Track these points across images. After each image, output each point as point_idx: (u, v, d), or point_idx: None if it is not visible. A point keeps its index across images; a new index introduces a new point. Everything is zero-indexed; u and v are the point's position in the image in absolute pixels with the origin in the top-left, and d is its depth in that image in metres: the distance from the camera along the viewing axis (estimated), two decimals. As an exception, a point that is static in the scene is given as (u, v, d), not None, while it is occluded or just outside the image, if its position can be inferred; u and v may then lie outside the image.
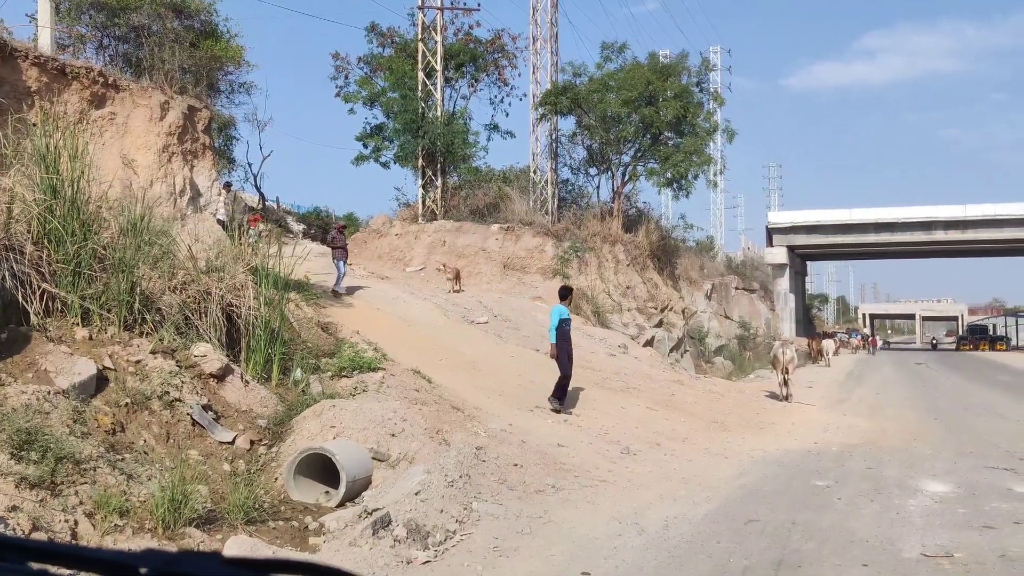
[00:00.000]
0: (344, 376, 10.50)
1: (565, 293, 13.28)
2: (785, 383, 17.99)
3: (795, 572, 5.56)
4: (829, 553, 6.03)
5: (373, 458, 7.70)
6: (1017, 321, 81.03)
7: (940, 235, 56.92)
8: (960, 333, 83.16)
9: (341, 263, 17.30)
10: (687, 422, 13.15)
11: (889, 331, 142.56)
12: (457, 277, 21.15)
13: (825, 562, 5.80)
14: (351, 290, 16.98)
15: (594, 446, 10.36)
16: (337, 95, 30.14)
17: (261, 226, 17.41)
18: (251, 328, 9.58)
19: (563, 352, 12.44)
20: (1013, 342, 73.09)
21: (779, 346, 19.45)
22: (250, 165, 35.12)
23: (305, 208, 41.70)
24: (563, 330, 12.48)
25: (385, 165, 29.12)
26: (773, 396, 18.36)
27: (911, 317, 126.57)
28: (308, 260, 14.24)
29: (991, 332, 75.36)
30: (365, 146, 29.22)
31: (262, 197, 35.20)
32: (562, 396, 12.15)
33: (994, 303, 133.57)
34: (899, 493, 8.32)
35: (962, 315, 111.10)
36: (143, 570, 0.91)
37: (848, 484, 8.81)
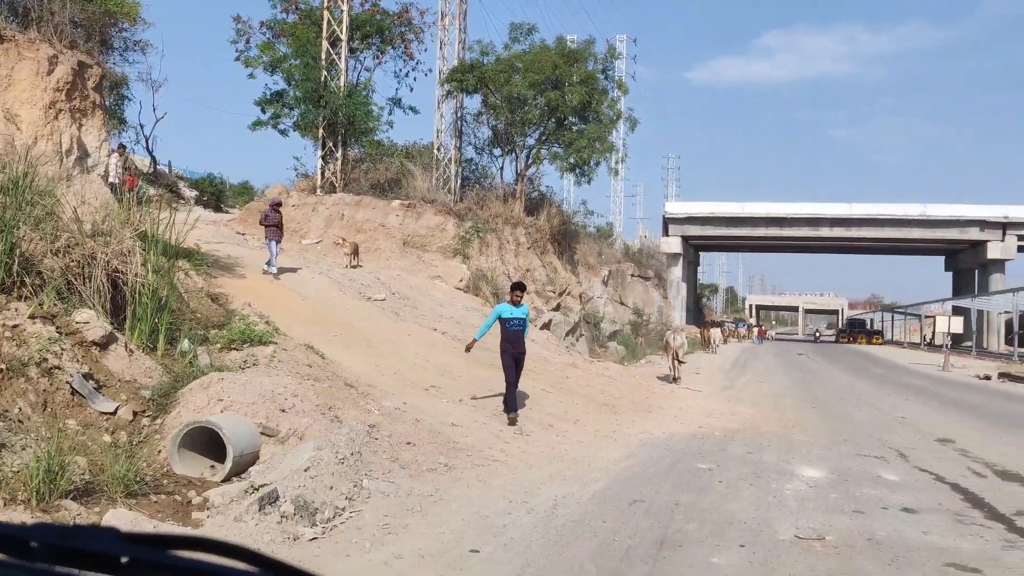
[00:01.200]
0: (234, 349, 10.23)
1: (514, 287, 11.37)
2: (675, 367, 19.65)
3: (676, 551, 5.71)
4: (709, 533, 6.22)
5: (262, 433, 7.53)
6: (893, 316, 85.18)
7: (826, 231, 59.32)
8: (840, 326, 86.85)
9: (273, 243, 16.50)
10: (579, 404, 13.34)
11: (774, 322, 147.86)
12: (355, 252, 20.85)
13: (705, 542, 5.98)
14: (281, 270, 16.52)
15: (488, 426, 10.40)
16: (237, 59, 29.20)
17: (144, 188, 16.72)
18: (137, 296, 9.22)
19: (506, 355, 10.92)
20: (888, 336, 76.85)
21: (671, 333, 21.24)
22: (142, 127, 33.80)
23: (198, 174, 40.47)
24: (506, 331, 10.88)
25: (284, 133, 28.39)
26: (664, 378, 19.80)
27: (795, 309, 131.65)
28: (199, 228, 13.80)
29: (868, 326, 79.02)
30: (264, 112, 28.41)
31: (153, 161, 33.86)
32: (514, 406, 10.92)
33: (872, 299, 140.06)
34: (776, 477, 8.64)
35: (842, 309, 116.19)
36: (33, 544, 0.85)
37: (729, 468, 9.10)
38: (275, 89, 28.56)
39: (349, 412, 8.82)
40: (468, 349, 11.68)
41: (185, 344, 9.66)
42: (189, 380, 8.46)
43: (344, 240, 21.63)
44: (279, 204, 18.14)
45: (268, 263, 16.22)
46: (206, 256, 13.97)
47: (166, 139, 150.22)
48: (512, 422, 10.62)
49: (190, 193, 34.88)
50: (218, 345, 10.20)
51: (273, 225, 16.85)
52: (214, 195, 36.89)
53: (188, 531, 5.63)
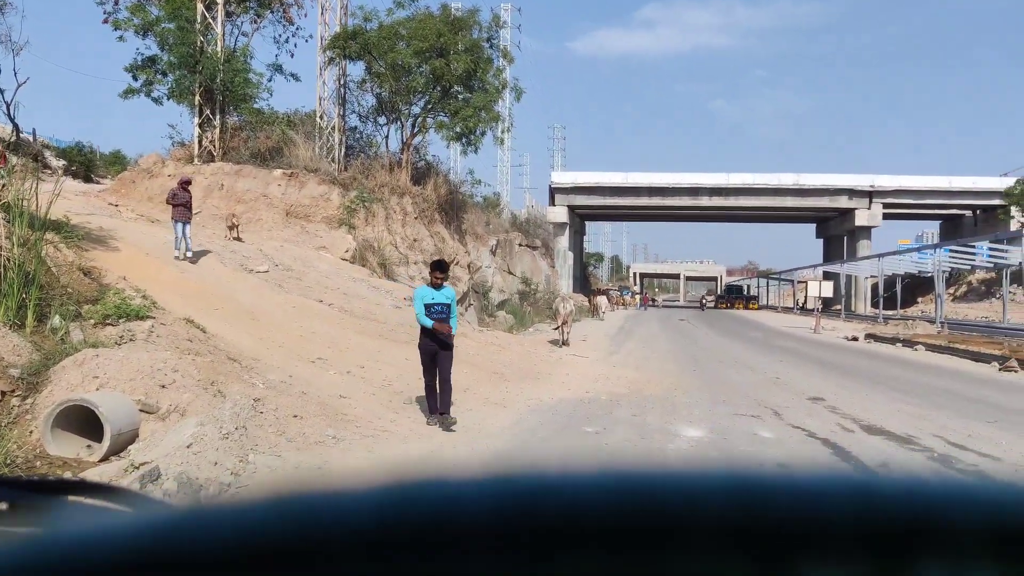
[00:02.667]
0: (109, 324, 9.83)
1: (434, 267, 9.37)
2: (564, 332, 21.07)
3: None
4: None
5: (141, 410, 7.28)
6: (768, 283, 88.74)
7: (705, 200, 61.09)
8: (719, 293, 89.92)
9: (180, 225, 15.48)
10: (469, 373, 13.41)
11: (657, 289, 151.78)
12: (234, 225, 20.20)
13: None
14: (197, 256, 15.81)
15: (377, 397, 10.35)
16: (105, 21, 27.69)
17: (13, 160, 15.72)
18: (2, 271, 8.74)
19: (423, 350, 9.29)
20: (763, 301, 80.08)
21: (560, 300, 22.86)
22: (2, 92, 31.80)
23: (66, 142, 38.44)
24: (432, 318, 9.15)
25: (158, 101, 27.16)
26: (554, 342, 21.13)
27: (677, 277, 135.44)
28: (68, 199, 13.15)
29: (745, 292, 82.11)
30: (135, 78, 27.10)
31: (16, 129, 31.98)
32: (434, 407, 9.43)
33: (749, 266, 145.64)
34: (660, 438, 8.92)
35: (721, 276, 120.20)
36: None
37: (615, 430, 9.34)
38: (147, 54, 27.29)
39: (233, 386, 8.62)
40: (437, 330, 9.18)
41: (56, 320, 9.23)
42: (61, 357, 8.10)
43: (234, 216, 20.79)
44: (188, 182, 16.93)
45: (177, 247, 15.37)
46: (77, 228, 13.31)
47: (30, 105, 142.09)
48: (443, 426, 9.07)
49: (57, 163, 33.13)
50: (92, 321, 9.78)
51: (181, 205, 15.77)
52: (84, 165, 35.14)
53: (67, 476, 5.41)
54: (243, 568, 0.24)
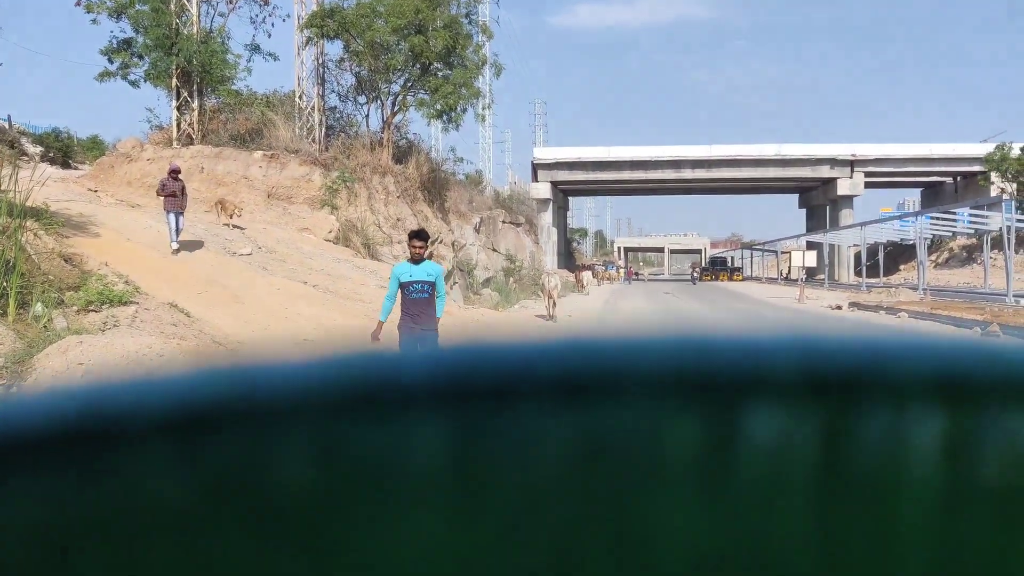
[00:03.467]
0: (92, 311, 9.78)
1: (412, 236, 7.90)
2: (550, 306, 21.53)
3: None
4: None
5: (127, 396, 7.25)
6: (752, 254, 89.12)
7: (688, 173, 61.18)
8: (703, 265, 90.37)
9: (174, 216, 15.03)
10: (455, 351, 13.43)
11: (641, 263, 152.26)
12: (224, 210, 19.79)
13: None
14: (187, 244, 15.65)
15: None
16: (78, 4, 27.33)
17: None
18: (-19, 259, 8.67)
19: (403, 336, 7.81)
20: (747, 272, 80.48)
21: (546, 276, 23.46)
22: (-26, 78, 31.32)
23: (42, 128, 38.01)
24: (405, 300, 7.74)
25: (134, 84, 26.85)
26: (541, 317, 21.32)
27: (661, 250, 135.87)
28: (47, 185, 13.04)
29: (729, 264, 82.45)
30: (111, 61, 26.77)
31: (-10, 115, 31.60)
32: None
33: (733, 237, 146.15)
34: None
35: (705, 248, 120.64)
36: None
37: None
38: (122, 37, 26.93)
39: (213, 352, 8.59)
40: (375, 337, 7.81)
41: (39, 308, 9.16)
42: (45, 345, 8.05)
43: (224, 202, 20.17)
44: (177, 171, 16.11)
45: (172, 239, 15.04)
46: (56, 215, 13.20)
47: (4, 91, 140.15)
48: None
49: (34, 149, 32.75)
50: (75, 308, 9.73)
51: (171, 194, 15.15)
52: (61, 151, 34.76)
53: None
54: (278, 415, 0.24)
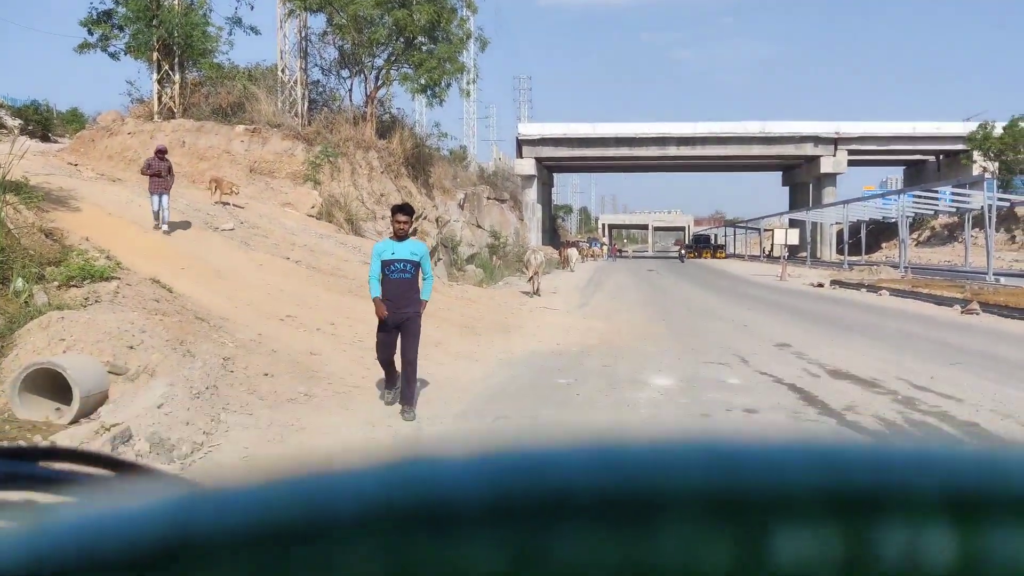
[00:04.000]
0: (74, 286, 9.70)
1: (395, 211, 7.22)
2: (535, 282, 22.18)
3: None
4: (570, 445, 6.45)
5: (109, 372, 7.22)
6: (735, 231, 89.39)
7: (673, 150, 61.15)
8: (687, 242, 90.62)
9: (157, 197, 14.58)
10: (440, 328, 13.42)
11: (625, 240, 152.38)
12: (220, 188, 19.17)
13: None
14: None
15: (348, 353, 10.34)
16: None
17: None
18: (-41, 233, 8.57)
19: (381, 322, 7.20)
20: (730, 250, 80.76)
21: (530, 252, 24.12)
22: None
23: (21, 101, 37.48)
24: (386, 280, 7.08)
25: (115, 56, 26.48)
26: (526, 293, 22.03)
27: (645, 227, 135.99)
28: (26, 159, 12.88)
29: (713, 241, 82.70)
30: (91, 33, 26.39)
31: (-33, 86, 31.12)
32: (393, 380, 7.72)
33: (716, 215, 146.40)
34: (630, 388, 9.02)
35: (689, 226, 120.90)
36: None
37: (586, 381, 9.43)
38: (102, 8, 26.55)
39: (202, 346, 8.57)
40: (380, 312, 7.13)
41: (19, 283, 9.09)
42: (26, 320, 7.99)
43: (219, 182, 19.50)
44: (164, 150, 15.58)
45: (156, 219, 14.66)
46: (36, 189, 13.05)
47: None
48: (404, 417, 7.25)
49: (13, 122, 32.30)
50: (56, 283, 9.65)
51: (156, 174, 14.71)
52: (40, 124, 34.29)
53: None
54: (256, 549, 0.25)
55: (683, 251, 63.93)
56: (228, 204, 18.77)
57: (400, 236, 7.02)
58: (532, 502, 0.24)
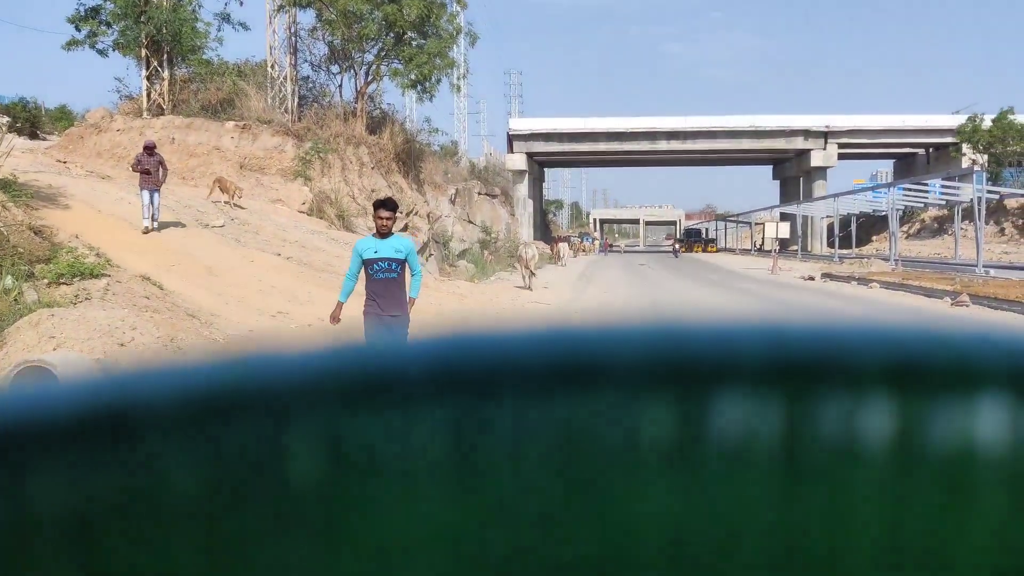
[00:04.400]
0: (64, 284, 9.69)
1: (380, 205, 6.83)
2: (527, 276, 22.65)
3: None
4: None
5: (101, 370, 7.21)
6: (726, 225, 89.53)
7: (663, 144, 61.18)
8: (678, 236, 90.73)
9: (148, 193, 14.30)
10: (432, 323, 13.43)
11: (616, 235, 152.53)
12: (224, 190, 18.74)
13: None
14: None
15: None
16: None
17: None
18: (-53, 231, 8.54)
19: (368, 321, 6.62)
20: (721, 244, 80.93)
21: (523, 247, 24.84)
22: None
23: (9, 98, 37.29)
24: (370, 281, 6.69)
25: (103, 53, 26.37)
26: (519, 287, 22.53)
27: (636, 222, 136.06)
28: (14, 156, 12.84)
29: (704, 235, 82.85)
30: (78, 30, 26.28)
31: (-46, 84, 30.99)
32: None
33: (707, 209, 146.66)
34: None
35: (680, 220, 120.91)
36: None
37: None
38: (90, 4, 26.42)
39: (192, 343, 8.57)
40: (334, 318, 7.67)
41: (8, 281, 9.07)
42: (16, 318, 7.98)
43: (223, 183, 19.17)
44: (153, 146, 15.24)
45: (145, 216, 14.35)
46: (25, 187, 13.01)
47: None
48: None
49: (1, 119, 32.17)
50: (46, 280, 9.64)
51: (145, 171, 14.42)
52: (28, 121, 34.13)
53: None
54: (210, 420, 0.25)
55: (676, 246, 63.88)
56: (231, 205, 18.55)
57: (383, 233, 6.59)
58: (479, 376, 0.25)
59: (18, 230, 10.89)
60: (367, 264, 6.56)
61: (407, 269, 6.69)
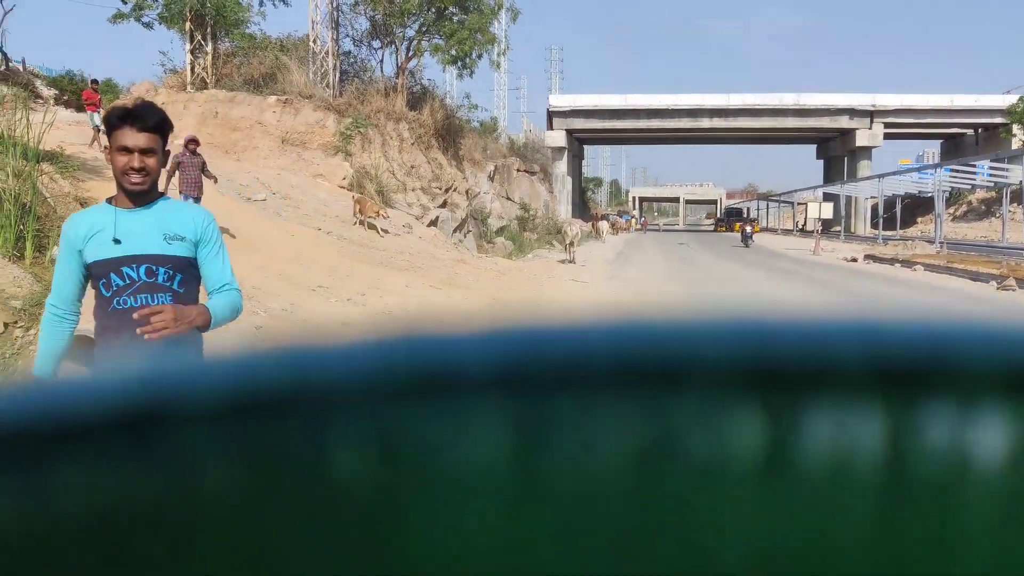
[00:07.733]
0: (109, 255, 9.82)
1: (120, 121, 2.36)
2: (570, 251, 24.31)
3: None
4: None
5: (144, 340, 7.32)
6: (768, 205, 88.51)
7: (706, 122, 60.51)
8: (718, 216, 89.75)
9: (191, 201, 11.17)
10: (469, 299, 13.48)
11: (656, 213, 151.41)
12: (364, 211, 17.79)
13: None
14: None
15: (378, 325, 10.41)
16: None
17: (3, 90, 15.40)
18: (-2, 202, 8.71)
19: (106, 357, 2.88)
20: (763, 224, 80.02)
21: (567, 224, 26.72)
22: (-12, 20, 31.19)
23: (56, 71, 37.85)
24: (108, 315, 2.54)
25: (148, 26, 26.68)
26: (562, 262, 23.44)
27: (676, 200, 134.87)
28: (61, 128, 13.04)
29: (745, 215, 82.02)
30: (124, 2, 26.58)
31: (5, 57, 31.55)
32: None
33: (749, 188, 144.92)
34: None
35: (721, 199, 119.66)
36: None
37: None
38: (136, -22, 26.69)
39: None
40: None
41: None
42: (62, 289, 8.12)
43: (372, 205, 18.20)
44: (195, 141, 12.37)
45: None
46: (71, 159, 13.20)
47: (18, 34, 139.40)
48: None
49: (48, 92, 32.66)
50: (91, 252, 9.78)
51: (185, 170, 11.95)
52: (75, 94, 34.63)
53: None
54: (246, 414, 0.24)
55: (717, 224, 63.08)
56: (367, 225, 17.77)
57: (135, 192, 2.44)
58: (539, 374, 0.24)
59: (64, 201, 11.06)
60: (95, 277, 2.55)
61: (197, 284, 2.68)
